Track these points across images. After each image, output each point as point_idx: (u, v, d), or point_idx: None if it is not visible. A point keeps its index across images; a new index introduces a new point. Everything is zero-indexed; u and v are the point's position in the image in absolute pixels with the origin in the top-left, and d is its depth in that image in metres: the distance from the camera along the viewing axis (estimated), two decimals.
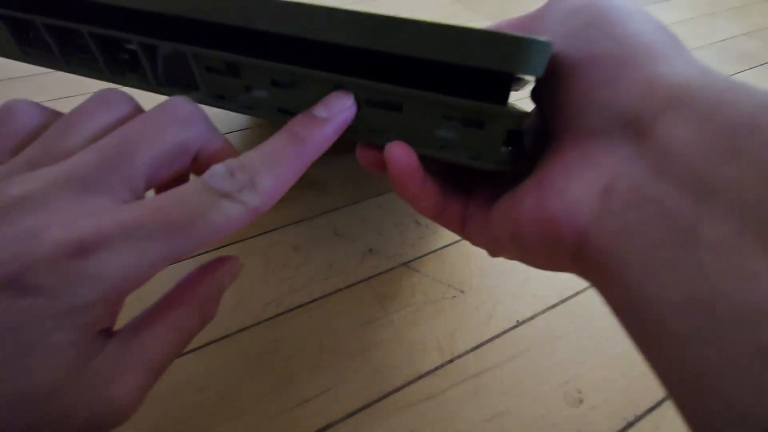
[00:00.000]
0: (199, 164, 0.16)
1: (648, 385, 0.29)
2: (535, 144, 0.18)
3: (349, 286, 0.34)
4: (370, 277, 0.35)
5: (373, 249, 0.37)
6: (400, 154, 0.16)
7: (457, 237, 0.38)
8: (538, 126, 0.19)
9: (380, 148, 0.17)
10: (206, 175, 0.13)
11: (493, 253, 0.19)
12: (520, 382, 0.29)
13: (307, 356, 0.30)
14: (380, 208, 0.41)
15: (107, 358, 0.13)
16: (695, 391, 0.10)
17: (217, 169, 0.14)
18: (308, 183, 0.43)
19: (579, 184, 0.13)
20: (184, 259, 0.13)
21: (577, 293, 0.34)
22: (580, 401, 0.29)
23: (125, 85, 0.22)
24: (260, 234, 0.38)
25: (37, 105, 0.15)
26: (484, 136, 0.15)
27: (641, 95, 0.13)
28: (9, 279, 0.11)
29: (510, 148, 0.16)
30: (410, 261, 0.36)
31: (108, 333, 0.14)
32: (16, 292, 0.11)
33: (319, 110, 0.16)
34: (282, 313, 0.32)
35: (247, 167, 0.14)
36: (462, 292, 0.34)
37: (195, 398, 0.28)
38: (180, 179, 0.17)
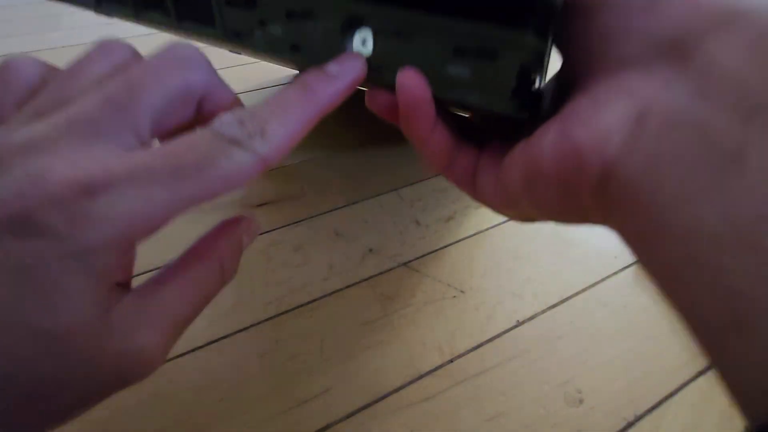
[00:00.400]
0: (204, 115, 0.16)
1: (648, 385, 0.29)
2: (553, 104, 0.17)
3: (349, 286, 0.34)
4: (370, 277, 0.35)
5: (373, 249, 0.37)
6: (412, 79, 0.15)
7: (457, 237, 0.38)
8: (556, 86, 0.18)
9: (391, 90, 0.17)
10: (215, 122, 0.13)
11: (502, 207, 0.18)
12: (520, 382, 0.29)
13: (307, 356, 0.30)
14: (380, 208, 0.41)
15: (127, 308, 0.13)
16: (734, 329, 0.10)
17: (227, 117, 0.13)
18: (308, 183, 0.43)
19: (609, 112, 0.13)
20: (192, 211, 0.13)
21: (578, 293, 0.34)
22: (580, 401, 0.28)
23: (149, 23, 0.23)
24: (260, 234, 0.38)
25: (37, 60, 0.15)
26: (497, 72, 0.15)
27: (686, 17, 0.12)
28: (17, 218, 0.11)
29: (524, 88, 0.16)
30: (410, 261, 0.36)
31: (126, 288, 0.14)
32: (25, 233, 0.11)
33: (331, 67, 0.16)
34: (282, 313, 0.32)
35: (256, 116, 0.14)
36: (462, 292, 0.34)
37: (195, 398, 0.28)
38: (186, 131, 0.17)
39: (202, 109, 0.16)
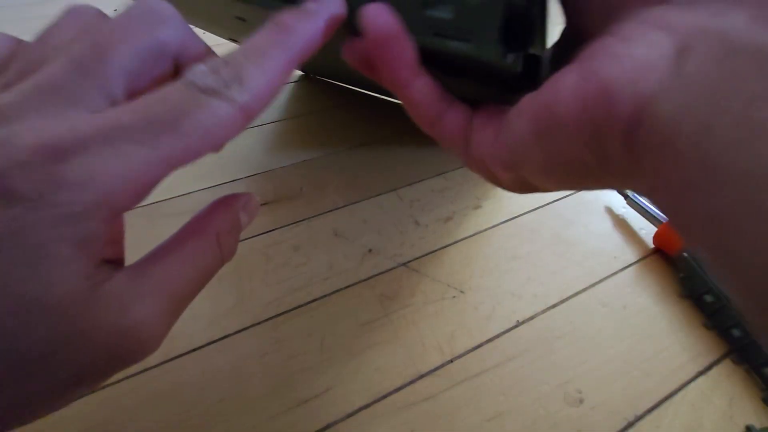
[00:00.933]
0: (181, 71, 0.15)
1: (648, 385, 0.29)
2: (556, 65, 0.15)
3: (349, 286, 0.34)
4: (370, 277, 0.35)
5: (373, 249, 0.37)
6: (376, 10, 0.14)
7: (456, 237, 0.38)
8: (559, 49, 0.16)
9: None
10: (187, 73, 0.12)
11: (501, 169, 0.16)
12: (520, 382, 0.29)
13: (307, 356, 0.30)
14: (380, 208, 0.41)
15: (120, 283, 0.12)
16: None
17: (199, 66, 0.12)
18: (308, 183, 0.43)
19: (644, 45, 0.11)
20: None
21: (577, 293, 0.34)
22: (580, 401, 0.28)
23: None
24: (260, 234, 0.38)
25: (4, 34, 0.15)
26: (481, 12, 0.14)
27: None
28: None
29: (513, 32, 0.14)
30: (410, 261, 0.36)
31: (118, 266, 0.13)
32: (1, 201, 0.10)
33: (308, 3, 0.15)
34: (282, 313, 0.32)
35: (231, 62, 0.13)
36: (462, 292, 0.34)
37: (195, 398, 0.28)
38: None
39: (178, 63, 0.15)
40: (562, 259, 0.37)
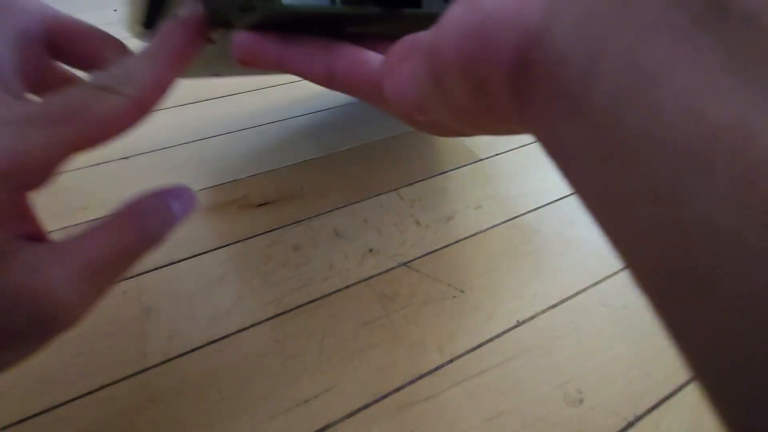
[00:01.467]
0: (60, 46, 0.17)
1: (648, 385, 0.29)
2: None
3: (349, 286, 0.34)
4: (370, 277, 0.35)
5: (373, 249, 0.37)
6: (240, 41, 0.15)
7: (457, 237, 0.38)
8: None
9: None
10: (90, 77, 0.15)
11: (417, 116, 0.14)
12: (520, 382, 0.29)
13: (307, 356, 0.30)
14: (380, 208, 0.41)
15: (33, 251, 0.13)
16: (694, 283, 0.07)
17: (99, 71, 0.15)
18: (308, 183, 0.43)
19: None
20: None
21: (578, 293, 0.34)
22: (580, 401, 0.28)
23: None
24: (260, 234, 0.38)
25: None
26: None
27: None
28: None
29: None
30: (410, 261, 0.36)
31: (39, 241, 0.14)
32: None
33: (180, 12, 0.17)
34: (282, 313, 0.32)
35: (124, 65, 0.15)
36: (462, 292, 0.34)
37: (195, 398, 0.28)
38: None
39: (55, 38, 0.17)
40: (562, 259, 0.37)
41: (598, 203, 0.09)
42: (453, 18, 0.10)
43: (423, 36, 0.13)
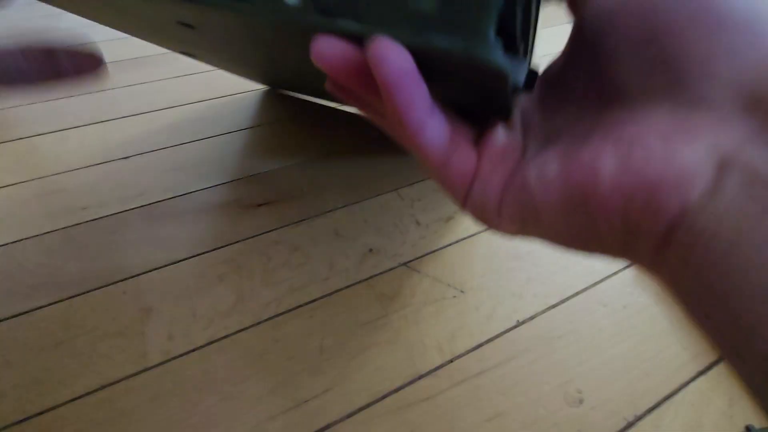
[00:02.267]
0: None
1: (648, 385, 0.29)
2: (552, 90, 0.15)
3: (349, 286, 0.34)
4: (370, 277, 0.35)
5: (373, 249, 0.37)
6: (387, 50, 0.12)
7: (457, 237, 0.38)
8: (557, 75, 0.16)
9: (349, 39, 0.13)
10: None
11: (507, 225, 0.15)
12: (520, 382, 0.29)
13: (307, 356, 0.30)
14: (380, 208, 0.41)
15: None
16: None
17: None
18: (308, 183, 0.43)
19: (690, 150, 0.11)
20: None
21: (578, 293, 0.34)
22: (580, 401, 0.28)
23: None
24: (260, 234, 0.38)
25: None
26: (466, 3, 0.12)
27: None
28: None
29: (504, 35, 0.13)
30: (410, 261, 0.36)
31: None
32: None
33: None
34: (282, 313, 0.32)
35: None
36: (462, 292, 0.34)
37: (195, 398, 0.28)
38: None
39: None
40: (562, 259, 0.37)
41: (699, 321, 0.11)
42: (608, 171, 0.12)
43: (552, 169, 0.13)
